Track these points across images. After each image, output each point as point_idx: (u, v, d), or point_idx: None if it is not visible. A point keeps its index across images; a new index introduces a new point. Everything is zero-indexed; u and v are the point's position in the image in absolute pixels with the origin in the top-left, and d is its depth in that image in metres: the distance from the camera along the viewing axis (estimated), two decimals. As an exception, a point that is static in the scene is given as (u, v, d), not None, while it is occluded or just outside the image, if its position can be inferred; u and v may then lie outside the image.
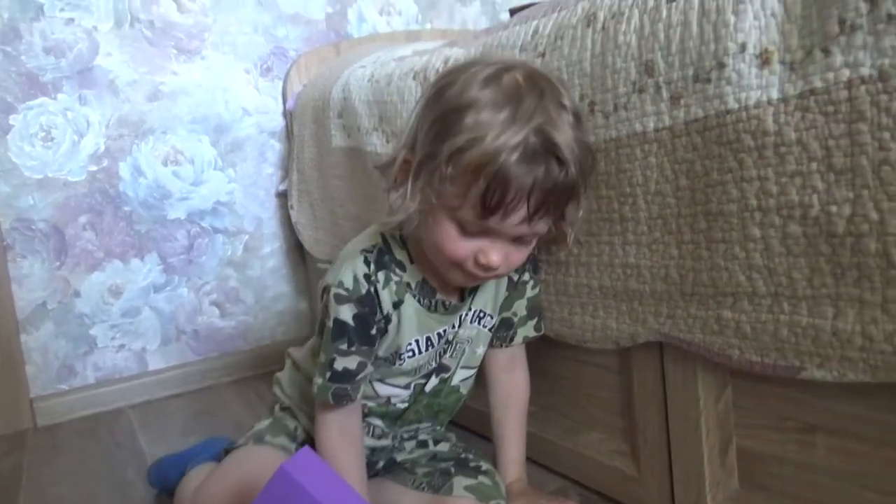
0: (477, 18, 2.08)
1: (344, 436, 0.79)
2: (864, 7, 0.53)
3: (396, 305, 0.77)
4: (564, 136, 0.65)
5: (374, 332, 0.76)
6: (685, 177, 0.69)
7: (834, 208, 0.57)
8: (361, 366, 0.76)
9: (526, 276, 0.87)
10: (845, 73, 0.54)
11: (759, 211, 0.62)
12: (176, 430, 1.36)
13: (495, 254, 0.69)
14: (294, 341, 1.62)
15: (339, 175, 1.36)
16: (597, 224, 0.80)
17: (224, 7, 1.65)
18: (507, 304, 0.87)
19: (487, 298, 0.84)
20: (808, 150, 0.58)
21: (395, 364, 0.80)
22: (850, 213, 0.56)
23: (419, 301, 0.79)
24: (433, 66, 1.04)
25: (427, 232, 0.72)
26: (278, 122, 1.74)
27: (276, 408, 0.94)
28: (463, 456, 0.89)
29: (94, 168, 1.52)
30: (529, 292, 0.87)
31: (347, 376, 0.76)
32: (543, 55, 0.83)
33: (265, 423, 0.91)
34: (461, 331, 0.83)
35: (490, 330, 0.86)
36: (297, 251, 1.76)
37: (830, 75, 0.55)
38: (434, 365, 0.84)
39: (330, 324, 0.75)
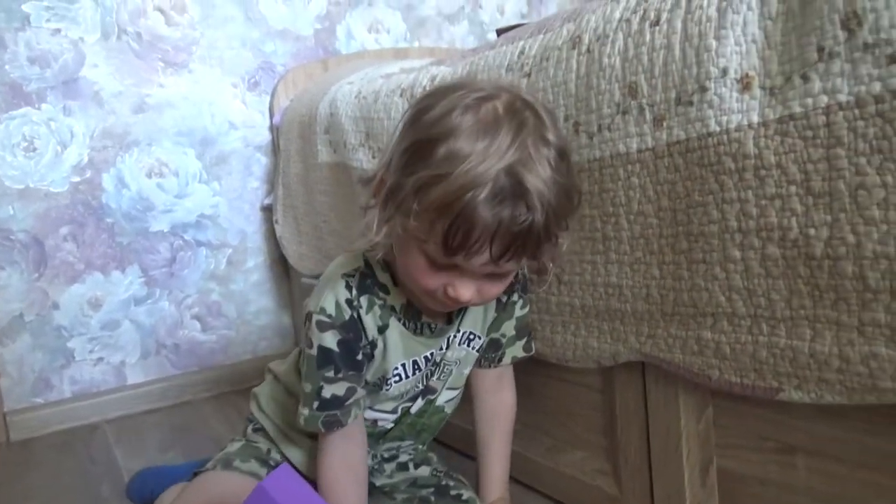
0: (464, 38, 2.10)
1: (345, 466, 0.77)
2: (841, 35, 0.54)
3: (381, 330, 0.75)
4: (538, 177, 0.60)
5: (360, 357, 0.74)
6: (667, 197, 0.69)
7: (812, 231, 0.58)
8: (350, 391, 0.74)
9: (515, 297, 0.85)
10: (823, 100, 0.56)
11: (739, 232, 0.63)
12: (153, 446, 1.34)
13: (465, 289, 0.66)
14: (276, 356, 1.60)
15: (325, 190, 1.36)
16: (580, 243, 0.80)
17: (213, 22, 1.65)
18: (495, 324, 0.86)
19: (476, 319, 0.83)
20: (788, 173, 0.59)
21: (382, 389, 0.79)
22: (827, 235, 0.57)
23: (404, 324, 0.77)
24: (420, 84, 1.05)
25: (399, 258, 0.70)
26: (265, 137, 1.73)
27: (249, 428, 0.91)
28: (444, 483, 0.87)
29: (76, 179, 1.51)
30: (518, 311, 0.86)
31: (336, 403, 0.74)
32: (529, 75, 0.84)
33: (236, 445, 0.89)
34: (449, 353, 0.82)
35: (478, 351, 0.85)
36: (280, 265, 1.75)
37: (809, 101, 0.56)
38: (421, 387, 0.83)
39: (313, 352, 0.73)
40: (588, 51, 0.76)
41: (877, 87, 0.52)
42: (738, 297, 0.64)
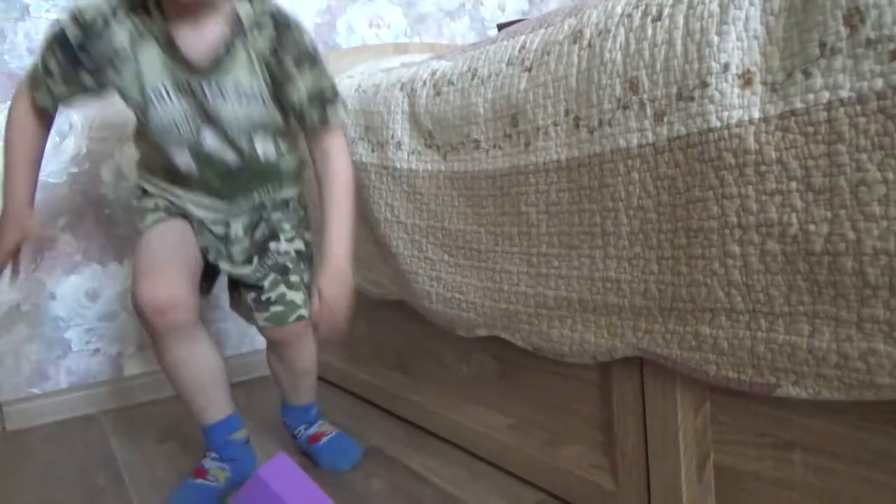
0: (465, 33, 2.10)
1: (20, 129, 0.94)
2: (843, 31, 0.54)
3: (133, 44, 0.88)
4: None
5: (85, 58, 0.87)
6: (667, 193, 0.69)
7: (812, 227, 0.58)
8: (58, 76, 0.89)
9: (288, 59, 0.91)
10: (825, 96, 0.56)
11: (738, 228, 0.63)
12: (149, 438, 1.34)
13: None
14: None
15: (324, 184, 1.35)
16: (578, 237, 0.80)
17: (213, 13, 1.65)
18: (282, 93, 0.93)
19: (241, 74, 0.91)
20: (788, 169, 0.59)
21: (147, 108, 0.91)
22: (827, 232, 0.57)
23: (163, 50, 0.89)
24: (420, 78, 1.05)
25: None
26: (264, 130, 1.73)
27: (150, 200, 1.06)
28: (260, 285, 1.05)
29: (75, 170, 1.50)
30: (300, 76, 0.92)
31: (45, 72, 0.89)
32: (530, 69, 0.84)
33: (150, 202, 1.04)
34: (219, 101, 0.92)
35: (261, 111, 0.95)
36: (278, 259, 1.75)
37: (811, 97, 0.56)
38: (198, 119, 0.93)
39: (55, 29, 0.88)
40: (589, 45, 0.76)
41: (879, 83, 0.52)
42: (737, 293, 0.64)
